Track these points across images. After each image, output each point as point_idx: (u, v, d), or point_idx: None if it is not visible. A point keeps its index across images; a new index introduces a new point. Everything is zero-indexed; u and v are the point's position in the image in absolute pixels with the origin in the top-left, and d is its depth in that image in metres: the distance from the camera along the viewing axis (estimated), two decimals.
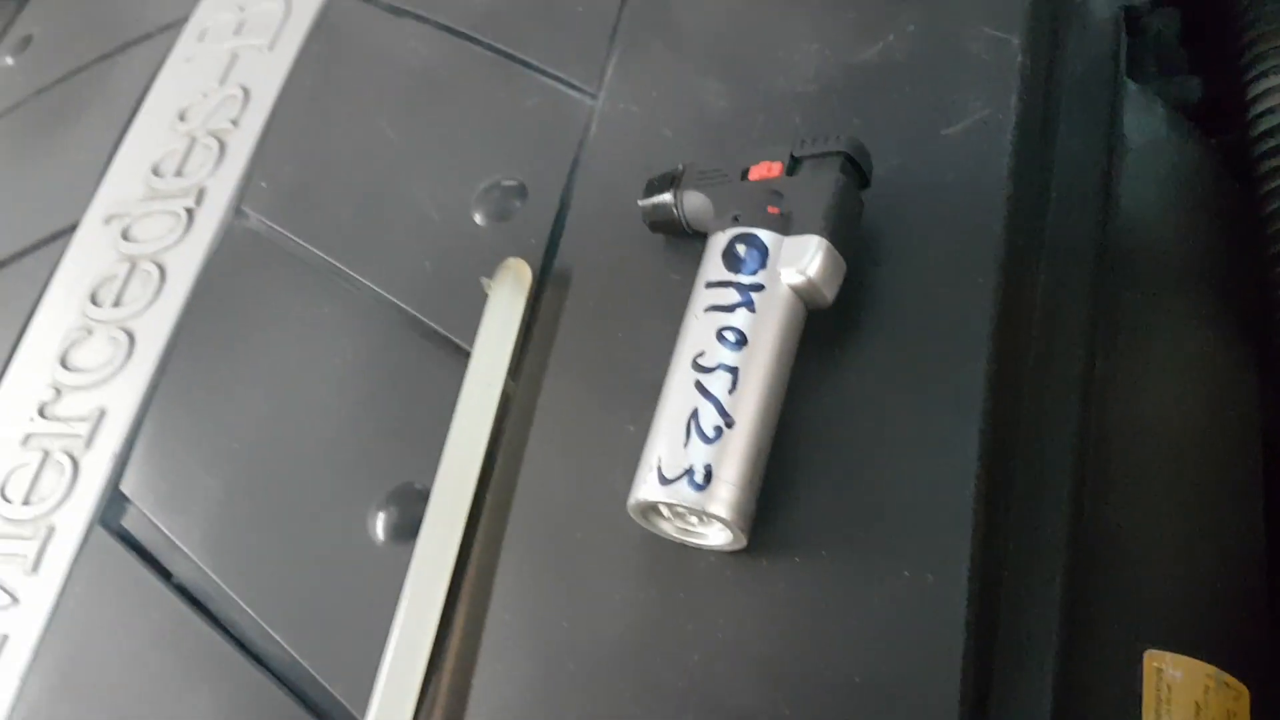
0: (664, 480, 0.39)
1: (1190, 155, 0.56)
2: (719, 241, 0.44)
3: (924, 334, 0.43)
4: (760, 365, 0.41)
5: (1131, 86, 0.55)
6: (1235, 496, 0.49)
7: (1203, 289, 0.52)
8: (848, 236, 0.43)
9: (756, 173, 0.45)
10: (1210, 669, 0.43)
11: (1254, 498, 0.50)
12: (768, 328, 0.41)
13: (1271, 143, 0.56)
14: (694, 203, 0.47)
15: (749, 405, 0.40)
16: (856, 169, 0.44)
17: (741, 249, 0.43)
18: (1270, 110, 0.56)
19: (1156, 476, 0.46)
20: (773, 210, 0.43)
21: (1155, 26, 0.60)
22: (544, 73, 0.58)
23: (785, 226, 0.43)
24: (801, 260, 0.42)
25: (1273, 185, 0.56)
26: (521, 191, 0.54)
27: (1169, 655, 0.43)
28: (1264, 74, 0.57)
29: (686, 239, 0.48)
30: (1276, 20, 0.58)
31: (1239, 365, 0.52)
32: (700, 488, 0.39)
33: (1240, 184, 0.58)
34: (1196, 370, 0.50)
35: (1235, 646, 0.45)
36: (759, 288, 0.42)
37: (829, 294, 0.42)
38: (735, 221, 0.44)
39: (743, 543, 0.40)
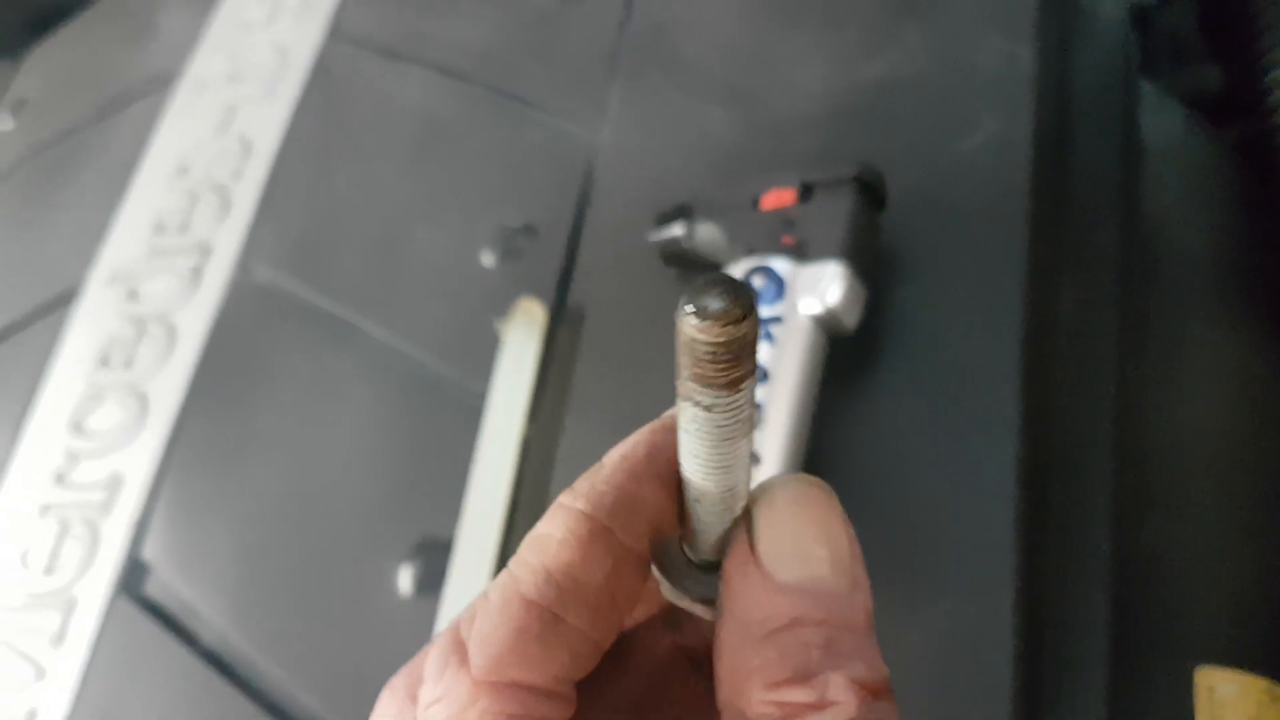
0: None
1: (1209, 155, 0.55)
2: (733, 274, 0.43)
3: (951, 357, 0.42)
4: (784, 399, 0.40)
5: (1146, 87, 0.54)
6: (1277, 503, 0.47)
7: (1231, 292, 0.51)
8: (866, 262, 0.42)
9: (768, 201, 0.44)
10: (1263, 682, 0.42)
11: None
12: (789, 360, 0.40)
13: None
14: (705, 234, 0.46)
15: (775, 440, 0.39)
16: (871, 192, 0.43)
17: (757, 281, 0.42)
18: None
19: (1197, 489, 0.45)
20: (787, 240, 0.42)
21: (1167, 21, 0.59)
22: (544, 109, 0.57)
23: (801, 255, 0.42)
24: (819, 289, 0.41)
25: None
26: (529, 230, 0.53)
27: (1220, 671, 0.41)
28: None
29: (699, 271, 0.47)
30: None
31: (1274, 369, 0.50)
32: None
33: (1261, 179, 0.56)
34: (1231, 377, 0.49)
35: None
36: (777, 320, 0.41)
37: (850, 322, 0.42)
38: (749, 252, 0.43)
39: None
